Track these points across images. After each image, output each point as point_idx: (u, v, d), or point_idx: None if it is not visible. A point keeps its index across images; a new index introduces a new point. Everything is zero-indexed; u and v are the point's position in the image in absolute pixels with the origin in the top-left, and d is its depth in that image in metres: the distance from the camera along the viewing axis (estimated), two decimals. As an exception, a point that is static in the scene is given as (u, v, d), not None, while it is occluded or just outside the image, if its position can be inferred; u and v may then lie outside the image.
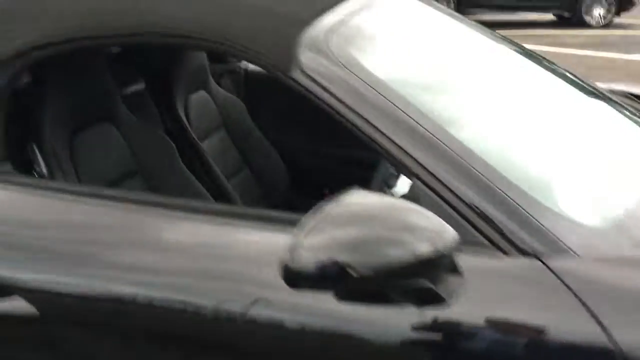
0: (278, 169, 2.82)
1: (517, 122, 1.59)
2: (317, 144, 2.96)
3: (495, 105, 1.65)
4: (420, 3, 2.01)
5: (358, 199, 1.15)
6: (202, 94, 2.64)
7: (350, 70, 1.37)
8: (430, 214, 1.14)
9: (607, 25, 12.94)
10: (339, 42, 1.44)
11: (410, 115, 1.31)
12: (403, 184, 1.71)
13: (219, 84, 2.82)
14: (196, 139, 2.47)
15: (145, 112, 2.30)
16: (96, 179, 1.86)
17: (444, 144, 1.27)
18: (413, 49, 1.76)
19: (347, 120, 1.32)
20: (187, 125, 2.45)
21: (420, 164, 1.26)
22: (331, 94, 1.34)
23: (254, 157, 2.78)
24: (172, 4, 1.53)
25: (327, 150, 2.95)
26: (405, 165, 1.27)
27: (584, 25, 12.83)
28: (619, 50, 9.71)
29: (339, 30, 1.48)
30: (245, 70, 2.99)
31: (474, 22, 2.12)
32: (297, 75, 1.37)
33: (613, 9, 13.08)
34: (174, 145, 2.16)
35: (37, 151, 1.72)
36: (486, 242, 1.20)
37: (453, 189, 1.23)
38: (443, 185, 1.24)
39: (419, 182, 1.26)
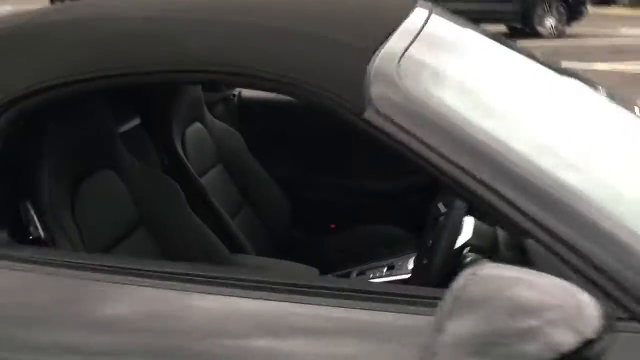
0: (280, 205, 2.59)
1: (619, 161, 1.39)
2: (318, 174, 2.74)
3: (593, 141, 1.44)
4: (466, 28, 1.80)
5: (492, 273, 0.92)
6: (197, 126, 2.39)
7: (433, 107, 1.14)
8: (577, 290, 0.92)
9: (560, 35, 13.13)
10: (410, 72, 1.21)
11: (514, 160, 1.09)
12: (467, 231, 1.50)
13: (211, 112, 2.57)
14: (197, 176, 2.21)
15: (142, 151, 2.04)
16: (101, 237, 1.59)
17: (564, 196, 1.05)
18: (481, 77, 1.54)
19: (435, 166, 1.09)
20: (187, 162, 2.20)
21: (538, 222, 1.03)
22: (415, 136, 1.10)
23: (255, 193, 2.54)
24: (213, 35, 1.27)
25: (329, 181, 2.74)
26: (515, 223, 1.05)
27: (537, 36, 12.96)
28: (576, 60, 9.79)
29: (405, 59, 1.25)
30: (239, 97, 2.74)
31: (516, 45, 1.94)
32: (370, 115, 1.13)
33: (564, 19, 13.28)
34: (179, 188, 1.90)
35: (32, 210, 1.44)
36: (628, 317, 0.99)
37: (584, 252, 1.01)
38: (569, 247, 1.02)
39: (536, 244, 1.04)
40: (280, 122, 2.67)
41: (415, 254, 2.07)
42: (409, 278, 1.77)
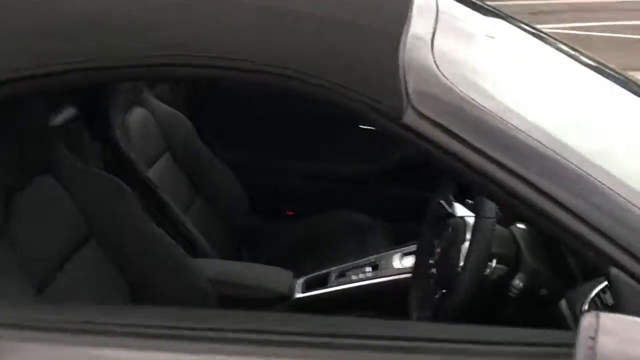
0: (235, 193, 2.35)
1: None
2: (273, 158, 2.51)
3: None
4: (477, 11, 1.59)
5: (609, 328, 0.73)
6: (139, 112, 2.09)
7: (493, 109, 0.91)
8: None
9: (500, -6, 13.19)
10: (447, 61, 0.96)
11: (586, 169, 0.89)
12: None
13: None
14: (144, 171, 1.93)
15: (81, 147, 1.73)
16: (44, 260, 1.31)
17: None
18: (512, 64, 1.32)
19: (506, 188, 0.87)
20: (132, 156, 1.91)
21: (624, 247, 0.84)
22: (481, 151, 0.87)
23: (207, 182, 2.29)
24: (205, 21, 0.99)
25: (286, 165, 2.52)
26: (602, 251, 0.85)
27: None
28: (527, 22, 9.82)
29: (437, 44, 1.00)
30: (183, 75, 2.44)
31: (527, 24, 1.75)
32: (411, 119, 0.89)
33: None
34: (128, 188, 1.62)
35: None
36: None
37: None
38: None
39: (621, 274, 0.85)
40: (231, 102, 2.39)
41: (395, 250, 1.88)
42: (411, 283, 1.55)
